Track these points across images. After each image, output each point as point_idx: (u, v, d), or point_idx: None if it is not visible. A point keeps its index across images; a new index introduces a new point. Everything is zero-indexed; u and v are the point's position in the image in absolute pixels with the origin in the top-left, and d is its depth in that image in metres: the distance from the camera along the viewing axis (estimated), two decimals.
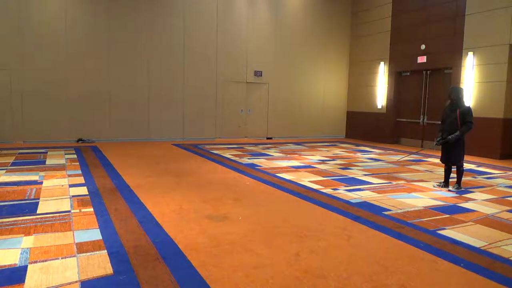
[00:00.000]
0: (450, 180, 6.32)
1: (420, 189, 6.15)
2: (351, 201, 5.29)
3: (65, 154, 8.88)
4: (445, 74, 11.76)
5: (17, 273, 2.86)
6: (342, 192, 5.82)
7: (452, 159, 6.11)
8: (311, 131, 14.92)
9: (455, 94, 6.03)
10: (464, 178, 6.52)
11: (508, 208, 5.16)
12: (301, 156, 9.71)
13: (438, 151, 8.20)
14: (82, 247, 3.39)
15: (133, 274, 2.91)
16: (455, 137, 5.91)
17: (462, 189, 6.16)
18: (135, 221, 4.14)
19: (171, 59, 12.36)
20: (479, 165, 8.99)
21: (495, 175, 7.75)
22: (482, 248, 3.66)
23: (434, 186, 6.35)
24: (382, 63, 13.67)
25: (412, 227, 4.22)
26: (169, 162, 8.18)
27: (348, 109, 15.48)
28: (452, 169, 6.31)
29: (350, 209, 4.89)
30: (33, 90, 10.70)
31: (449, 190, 6.09)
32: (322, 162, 8.80)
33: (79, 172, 6.80)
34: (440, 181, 6.64)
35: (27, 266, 2.99)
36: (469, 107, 6.00)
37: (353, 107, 15.22)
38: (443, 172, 6.44)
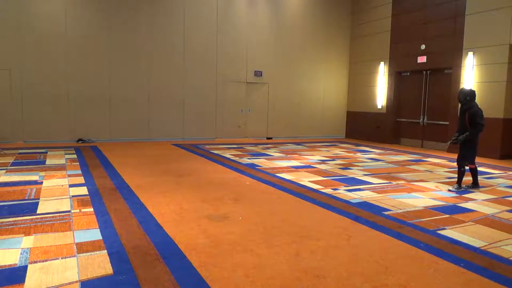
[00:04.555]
0: (464, 179, 6.29)
1: (420, 189, 6.15)
2: (351, 201, 5.29)
3: (65, 154, 8.88)
4: (445, 74, 11.76)
5: (17, 273, 2.86)
6: (342, 192, 5.81)
7: (458, 159, 6.19)
8: (311, 131, 14.92)
9: (462, 96, 6.07)
10: (464, 178, 6.52)
11: (508, 208, 5.16)
12: (301, 156, 9.71)
13: (441, 152, 8.19)
14: (82, 247, 3.38)
15: (133, 274, 2.91)
16: (462, 138, 5.98)
17: (462, 189, 6.17)
18: (135, 221, 4.14)
19: (171, 59, 12.36)
20: (479, 165, 8.95)
21: (495, 175, 7.75)
22: (482, 248, 3.66)
23: (449, 190, 6.18)
24: (382, 63, 13.67)
25: (412, 227, 4.21)
26: (169, 162, 8.18)
27: (348, 109, 15.48)
28: (467, 171, 6.28)
29: (350, 209, 4.89)
30: (33, 90, 10.70)
31: (449, 190, 6.10)
32: (322, 162, 8.80)
33: (79, 172, 6.80)
34: (466, 184, 6.44)
35: (27, 266, 2.99)
36: (477, 108, 5.99)
37: (353, 107, 15.22)
38: (445, 173, 6.43)
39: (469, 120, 5.94)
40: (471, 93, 6.07)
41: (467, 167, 6.20)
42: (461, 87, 10.92)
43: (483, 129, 5.98)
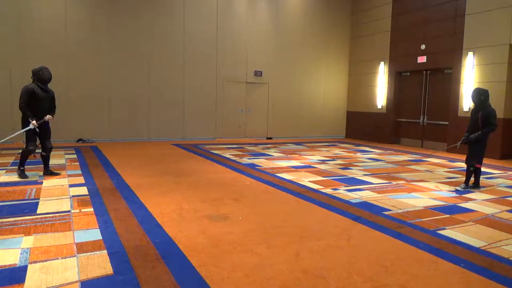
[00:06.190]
0: (471, 179, 6.30)
1: (420, 189, 6.15)
2: (351, 201, 5.29)
3: (65, 154, 8.87)
4: (445, 74, 11.76)
5: (17, 273, 2.86)
6: (342, 192, 5.81)
7: (467, 158, 6.18)
8: (311, 131, 14.92)
9: (476, 96, 6.09)
10: (462, 178, 6.54)
11: (508, 208, 5.16)
12: (301, 156, 9.71)
13: (441, 152, 8.14)
14: (82, 247, 3.38)
15: (133, 274, 2.91)
16: (474, 137, 5.99)
17: (469, 189, 6.18)
18: (135, 221, 4.14)
19: (171, 59, 12.36)
20: None
21: (495, 175, 7.74)
22: (482, 248, 3.66)
23: (456, 190, 6.17)
24: (382, 63, 13.67)
25: (412, 227, 4.21)
26: (169, 162, 8.18)
27: (348, 109, 15.48)
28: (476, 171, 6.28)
29: (350, 209, 4.89)
30: None
31: (456, 189, 6.11)
32: (322, 162, 8.79)
33: (79, 172, 6.80)
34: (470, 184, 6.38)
35: (27, 266, 2.99)
36: (491, 109, 6.00)
37: (353, 107, 15.22)
38: (445, 173, 6.43)
39: (482, 120, 5.95)
40: (485, 93, 6.08)
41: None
42: (461, 87, 10.97)
43: (496, 129, 6.02)
